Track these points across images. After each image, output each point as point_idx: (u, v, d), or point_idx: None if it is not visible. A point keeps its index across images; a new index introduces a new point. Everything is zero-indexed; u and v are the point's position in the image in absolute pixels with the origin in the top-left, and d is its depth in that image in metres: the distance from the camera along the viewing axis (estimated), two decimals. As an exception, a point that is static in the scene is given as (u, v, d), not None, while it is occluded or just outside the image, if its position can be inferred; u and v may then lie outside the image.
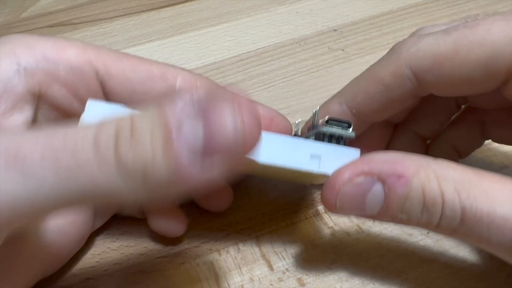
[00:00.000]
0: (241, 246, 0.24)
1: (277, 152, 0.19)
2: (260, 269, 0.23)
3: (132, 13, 0.38)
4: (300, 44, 0.35)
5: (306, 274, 0.23)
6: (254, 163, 0.18)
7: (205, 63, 0.34)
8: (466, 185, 0.17)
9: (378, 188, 0.18)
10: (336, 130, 0.21)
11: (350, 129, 0.21)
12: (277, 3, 0.39)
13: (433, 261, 0.23)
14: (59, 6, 0.38)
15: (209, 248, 0.24)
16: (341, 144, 0.21)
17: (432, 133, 0.25)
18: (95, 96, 0.20)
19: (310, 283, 0.22)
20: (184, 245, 0.24)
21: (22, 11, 0.38)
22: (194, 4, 0.39)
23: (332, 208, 0.18)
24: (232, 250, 0.24)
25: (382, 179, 0.18)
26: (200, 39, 0.36)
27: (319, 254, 0.23)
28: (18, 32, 0.36)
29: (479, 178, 0.17)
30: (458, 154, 0.25)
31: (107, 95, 0.21)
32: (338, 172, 0.18)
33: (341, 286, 0.22)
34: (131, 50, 0.35)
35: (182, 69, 0.22)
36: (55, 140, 0.13)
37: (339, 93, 0.23)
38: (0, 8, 0.38)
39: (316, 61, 0.34)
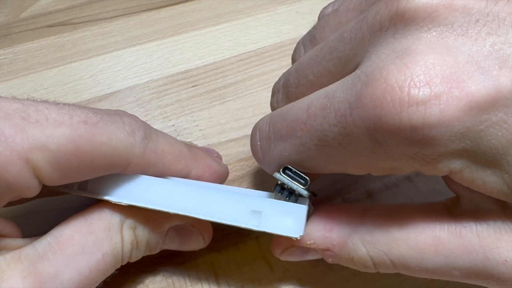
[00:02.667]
0: (241, 246, 0.24)
1: (214, 207, 0.19)
2: (260, 269, 0.23)
3: (132, 13, 0.38)
4: (300, 44, 0.35)
5: (306, 274, 0.23)
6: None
7: (205, 63, 0.34)
8: (393, 246, 0.18)
9: (313, 252, 0.20)
10: (288, 181, 0.19)
11: (304, 188, 0.19)
12: (277, 3, 0.39)
13: (433, 261, 0.23)
14: (59, 6, 0.38)
15: (209, 248, 0.24)
16: (293, 197, 0.19)
17: None
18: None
19: (310, 283, 0.22)
20: (184, 245, 0.24)
21: (22, 11, 0.38)
22: (194, 4, 0.39)
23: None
24: (232, 250, 0.24)
25: (316, 249, 0.20)
26: (200, 39, 0.36)
27: (319, 254, 0.23)
28: (18, 32, 0.36)
29: (405, 232, 0.18)
30: None
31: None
32: (278, 243, 0.21)
33: (341, 287, 0.22)
34: (131, 50, 0.35)
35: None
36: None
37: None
38: (0, 8, 0.38)
39: (316, 61, 0.34)
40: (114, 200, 0.19)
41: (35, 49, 0.35)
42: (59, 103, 0.18)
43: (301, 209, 0.19)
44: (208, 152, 0.25)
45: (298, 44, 0.22)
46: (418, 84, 0.14)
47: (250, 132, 0.30)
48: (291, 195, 0.19)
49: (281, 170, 0.19)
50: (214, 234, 0.23)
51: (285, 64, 0.34)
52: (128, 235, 0.20)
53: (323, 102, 0.17)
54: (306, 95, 0.19)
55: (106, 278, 0.20)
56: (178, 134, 0.29)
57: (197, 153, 0.23)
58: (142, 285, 0.23)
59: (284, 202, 0.19)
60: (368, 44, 0.16)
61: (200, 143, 0.29)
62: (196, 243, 0.22)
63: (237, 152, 0.28)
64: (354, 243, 0.19)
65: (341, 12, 0.20)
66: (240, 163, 0.28)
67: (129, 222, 0.20)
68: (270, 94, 0.32)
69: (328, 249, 0.19)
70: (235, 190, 0.23)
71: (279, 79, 0.22)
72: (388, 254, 0.18)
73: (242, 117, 0.30)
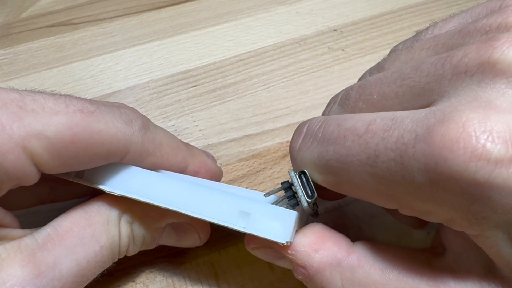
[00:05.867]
0: (241, 246, 0.24)
1: (204, 205, 0.19)
2: (260, 269, 0.23)
3: (132, 13, 0.38)
4: (300, 44, 0.35)
5: (306, 274, 0.23)
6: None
7: (205, 63, 0.34)
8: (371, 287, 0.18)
9: (287, 260, 0.19)
10: (297, 185, 0.19)
11: (308, 199, 0.19)
12: (277, 3, 0.39)
13: (433, 261, 0.23)
14: (59, 6, 0.38)
15: (209, 248, 0.24)
16: (293, 201, 0.19)
17: None
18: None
19: (310, 283, 0.22)
20: (184, 245, 0.24)
21: (22, 11, 0.38)
22: (194, 4, 0.39)
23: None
24: (232, 250, 0.24)
25: (290, 260, 0.19)
26: (200, 39, 0.36)
27: (319, 254, 0.23)
28: (18, 32, 0.36)
29: (386, 277, 0.18)
30: None
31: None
32: (251, 240, 0.20)
33: (341, 286, 0.22)
34: (131, 50, 0.35)
35: None
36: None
37: None
38: (0, 8, 0.38)
39: (316, 61, 0.34)
40: (107, 190, 0.20)
41: (36, 49, 0.35)
42: (56, 94, 0.19)
43: (291, 215, 0.18)
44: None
45: (364, 73, 0.22)
46: (496, 141, 0.14)
47: (250, 132, 0.30)
48: (292, 198, 0.19)
49: (298, 172, 0.19)
50: (214, 234, 0.23)
51: (285, 64, 0.34)
52: (125, 229, 0.20)
53: (387, 123, 0.16)
54: (362, 112, 0.18)
55: (104, 270, 0.20)
56: (178, 134, 0.29)
57: (193, 150, 0.23)
58: (142, 285, 0.23)
59: (274, 206, 0.19)
60: (447, 84, 0.16)
61: (200, 143, 0.29)
62: (192, 241, 0.23)
63: (237, 152, 0.28)
64: (332, 275, 0.18)
65: (414, 49, 0.19)
66: (240, 163, 0.28)
67: (126, 217, 0.20)
68: (270, 94, 0.32)
69: (304, 267, 0.19)
70: (229, 188, 0.23)
71: (338, 93, 0.21)
72: None
73: (242, 117, 0.30)
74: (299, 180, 0.19)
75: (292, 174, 0.19)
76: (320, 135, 0.18)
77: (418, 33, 0.21)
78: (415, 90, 0.17)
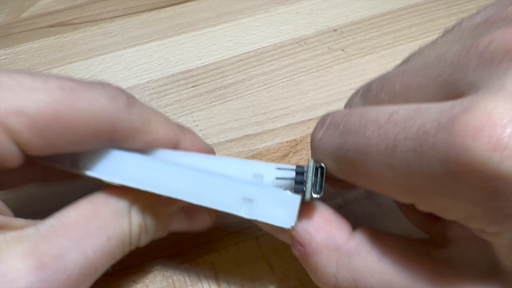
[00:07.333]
0: (241, 246, 0.24)
1: (206, 192, 0.19)
2: (260, 269, 0.23)
3: (132, 13, 0.38)
4: (300, 44, 0.35)
5: (306, 274, 0.23)
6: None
7: (205, 63, 0.34)
8: (367, 276, 0.18)
9: (287, 235, 0.20)
10: (310, 176, 0.18)
11: (313, 195, 0.18)
12: (277, 3, 0.39)
13: (433, 261, 0.23)
14: (59, 6, 0.38)
15: (209, 248, 0.24)
16: (299, 186, 0.19)
17: None
18: None
19: (310, 282, 0.22)
20: (184, 245, 0.24)
21: (22, 11, 0.38)
22: (194, 4, 0.39)
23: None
24: (232, 250, 0.24)
25: (291, 235, 0.19)
26: (200, 39, 0.36)
27: (319, 254, 0.23)
28: (19, 32, 0.36)
29: (383, 266, 0.18)
30: None
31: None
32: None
33: (341, 286, 0.22)
34: (131, 50, 0.35)
35: None
36: None
37: None
38: (0, 8, 0.38)
39: (316, 61, 0.34)
40: (105, 179, 0.19)
41: (36, 49, 0.35)
42: (33, 72, 0.18)
43: (294, 199, 0.18)
44: None
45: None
46: None
47: (250, 132, 0.30)
48: (299, 184, 0.19)
49: (316, 164, 0.19)
50: (214, 234, 0.24)
51: (285, 64, 0.34)
52: (136, 219, 0.20)
53: (410, 113, 0.15)
54: (384, 103, 0.18)
55: (115, 263, 0.20)
56: (178, 134, 0.29)
57: (183, 127, 0.23)
58: (142, 285, 0.23)
59: (277, 190, 0.19)
60: (473, 74, 0.15)
61: (200, 143, 0.29)
62: (203, 222, 0.22)
63: (237, 152, 0.28)
64: (328, 258, 0.18)
65: (439, 43, 0.19)
66: (240, 163, 0.28)
67: (137, 206, 0.20)
68: (270, 94, 0.32)
69: (303, 245, 0.19)
70: (234, 163, 0.22)
71: (361, 86, 0.20)
72: (357, 281, 0.18)
73: (242, 117, 0.30)
74: (313, 172, 0.18)
75: (311, 163, 0.18)
76: (342, 126, 0.18)
77: (444, 31, 0.20)
78: (439, 81, 0.16)
